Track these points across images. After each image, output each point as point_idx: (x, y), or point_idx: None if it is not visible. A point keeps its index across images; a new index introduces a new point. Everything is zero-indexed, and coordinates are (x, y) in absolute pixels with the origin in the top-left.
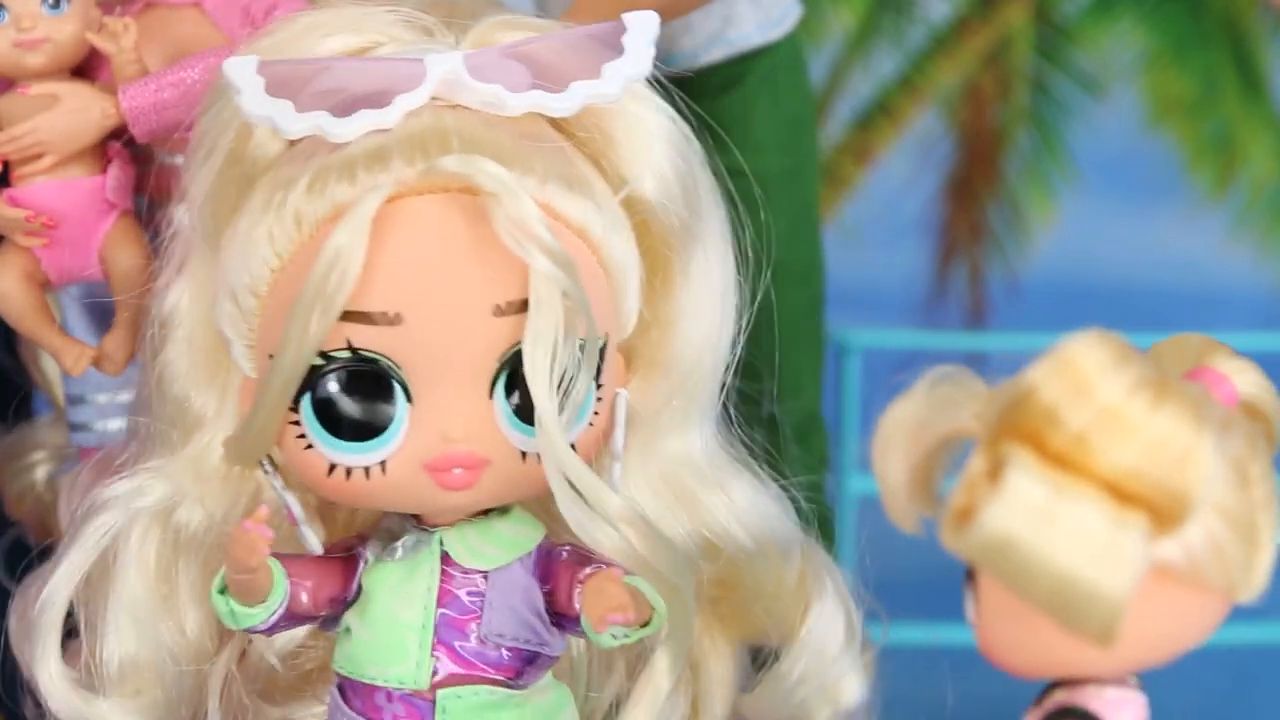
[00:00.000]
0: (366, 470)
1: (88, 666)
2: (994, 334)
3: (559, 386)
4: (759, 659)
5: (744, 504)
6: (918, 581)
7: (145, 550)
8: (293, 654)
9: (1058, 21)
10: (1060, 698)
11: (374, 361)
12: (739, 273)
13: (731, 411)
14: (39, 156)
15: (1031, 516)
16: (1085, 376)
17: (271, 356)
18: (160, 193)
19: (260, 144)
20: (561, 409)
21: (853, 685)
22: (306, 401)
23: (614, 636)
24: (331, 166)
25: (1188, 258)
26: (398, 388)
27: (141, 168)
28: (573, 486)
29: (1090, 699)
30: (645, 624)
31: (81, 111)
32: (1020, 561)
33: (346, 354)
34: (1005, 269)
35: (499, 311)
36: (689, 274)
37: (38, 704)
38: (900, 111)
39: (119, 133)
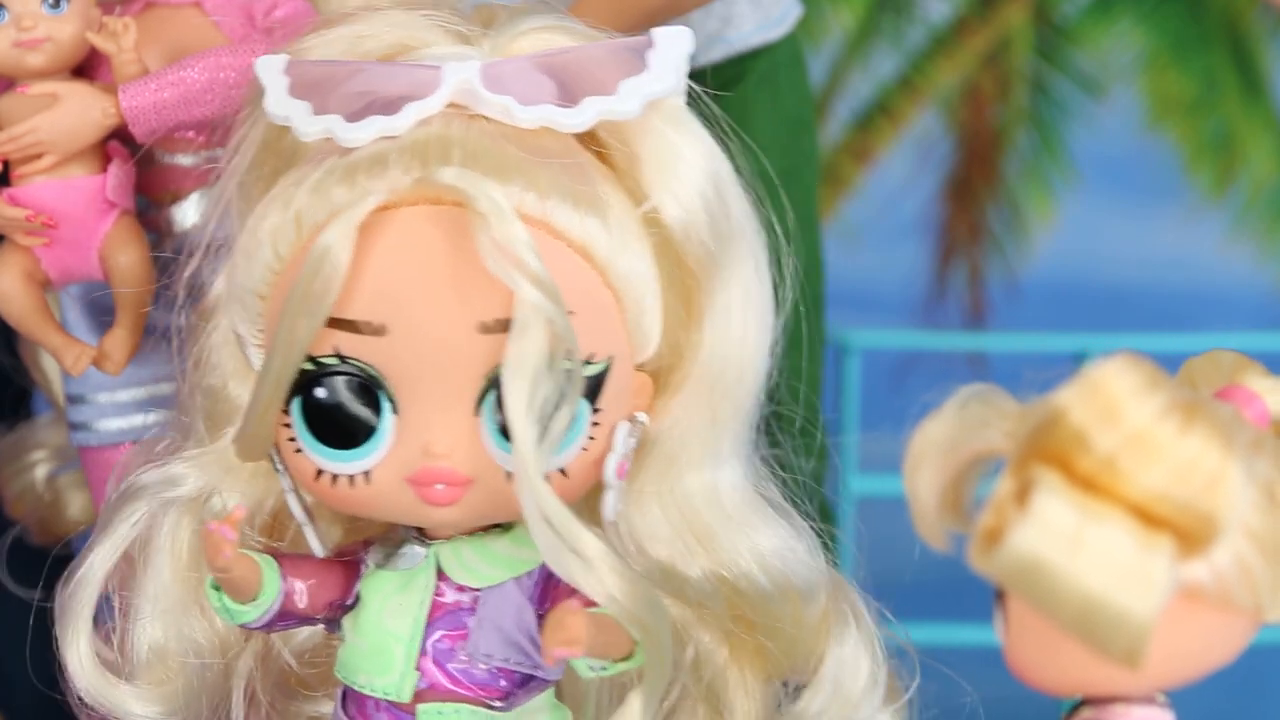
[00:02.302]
0: (351, 478)
1: (120, 650)
2: (993, 334)
3: (541, 414)
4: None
5: (768, 548)
6: (917, 582)
7: (177, 540)
8: (313, 652)
9: (1057, 22)
10: (1087, 716)
11: (361, 370)
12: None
13: (764, 452)
14: (39, 156)
15: (1059, 539)
16: (1114, 400)
17: None
18: (160, 193)
19: (294, 139)
20: (542, 437)
21: None
22: (296, 405)
23: (590, 668)
24: (336, 169)
25: (1188, 258)
26: (384, 398)
27: (141, 168)
28: (541, 514)
29: (1118, 718)
30: (627, 657)
31: (81, 111)
32: (1048, 584)
33: (334, 360)
34: (1005, 269)
35: (485, 329)
36: (715, 303)
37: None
38: (900, 112)
39: (119, 133)
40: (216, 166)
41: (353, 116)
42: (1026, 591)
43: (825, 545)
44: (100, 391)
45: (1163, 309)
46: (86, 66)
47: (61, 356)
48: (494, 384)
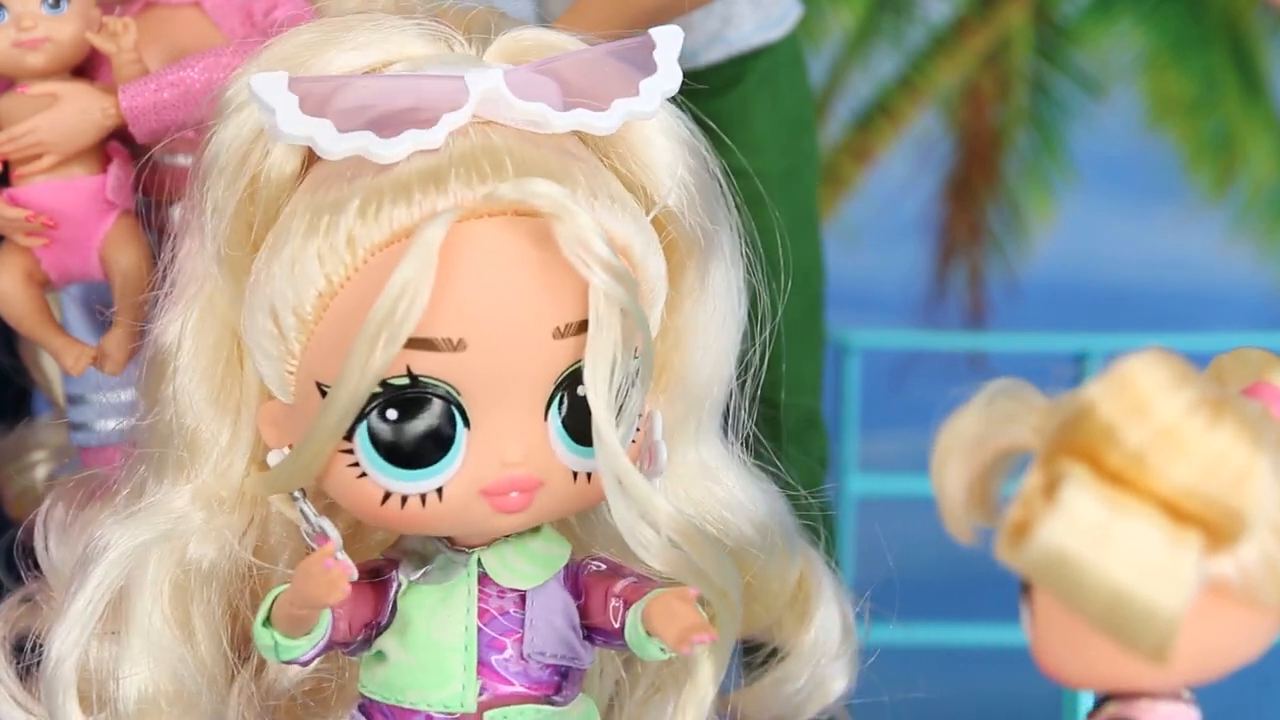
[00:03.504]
0: (423, 498)
1: (113, 711)
2: (993, 334)
3: (616, 401)
4: (750, 652)
5: (744, 499)
6: (918, 581)
7: (159, 582)
8: (305, 680)
9: (1057, 22)
10: (1113, 712)
11: (434, 388)
12: (750, 278)
13: (729, 407)
14: (39, 156)
15: (1087, 534)
16: (1143, 395)
17: (319, 385)
18: (160, 193)
19: (275, 163)
20: (619, 423)
21: (841, 681)
22: (363, 430)
23: (661, 650)
24: (383, 189)
25: (1187, 258)
26: (456, 413)
27: (141, 168)
28: (628, 497)
29: (1144, 714)
30: None
31: (81, 111)
32: (1075, 578)
33: (405, 380)
34: (1004, 269)
35: (558, 334)
36: (705, 285)
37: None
38: (900, 112)
39: (119, 133)
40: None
41: (382, 131)
42: (1054, 585)
43: (825, 545)
44: (100, 392)
45: (1163, 309)
46: (86, 66)
47: (61, 357)
48: (562, 385)
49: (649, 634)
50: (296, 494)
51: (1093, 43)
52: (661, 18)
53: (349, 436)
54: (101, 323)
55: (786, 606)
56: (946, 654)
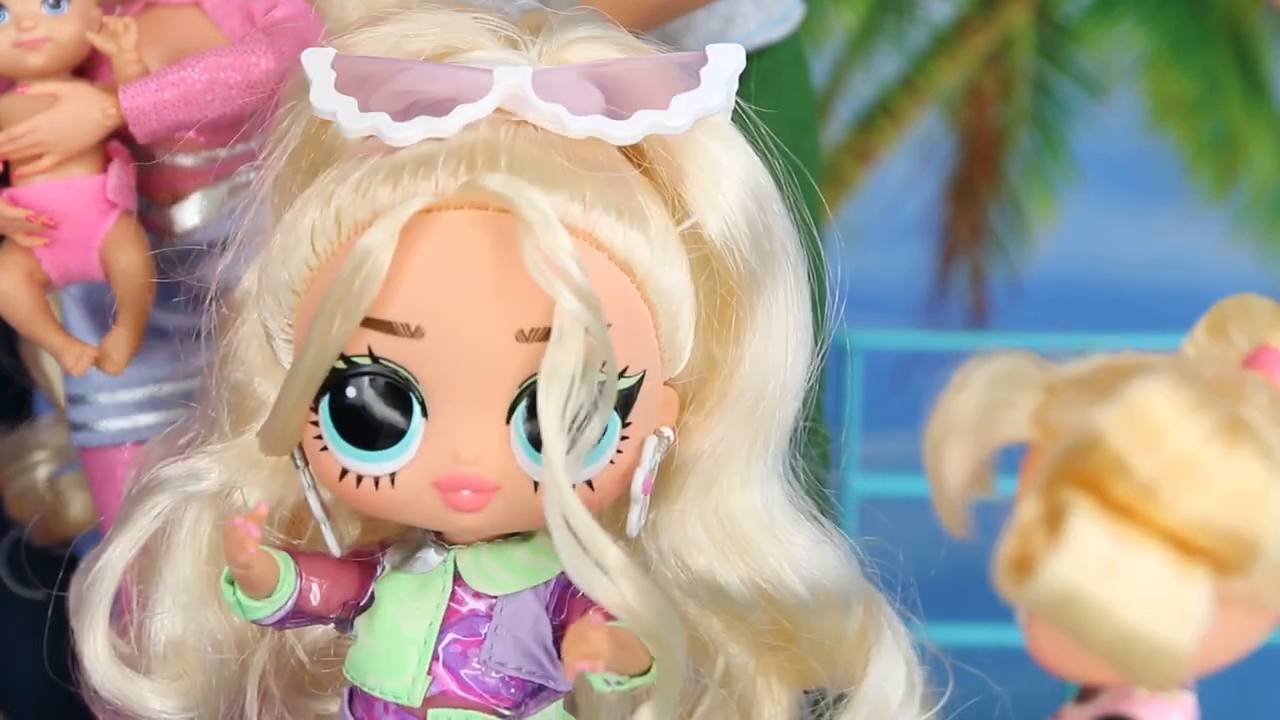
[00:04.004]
0: (376, 480)
1: (136, 643)
2: (995, 334)
3: (572, 424)
4: (817, 703)
5: (803, 555)
6: (919, 582)
7: (197, 534)
8: (324, 650)
9: (1059, 22)
10: (1107, 703)
11: (394, 372)
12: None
13: (798, 463)
14: (39, 156)
15: (1096, 570)
16: (1157, 424)
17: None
18: (160, 193)
19: (336, 133)
20: (571, 447)
21: None
22: (325, 403)
23: (606, 682)
24: (380, 169)
25: (1188, 258)
26: (414, 401)
27: (141, 168)
28: (566, 523)
29: (1139, 705)
30: (643, 673)
31: (82, 111)
32: (1083, 615)
33: (367, 360)
34: (1007, 269)
35: (522, 337)
36: (755, 320)
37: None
38: (901, 112)
39: (119, 133)
40: (219, 165)
41: (399, 115)
42: (1060, 621)
43: None
44: (101, 392)
45: (1164, 309)
46: (86, 66)
47: (62, 357)
48: (526, 392)
49: None
50: (298, 461)
51: (1094, 43)
52: (665, 17)
53: (315, 408)
54: (102, 323)
55: (845, 659)
56: (949, 654)
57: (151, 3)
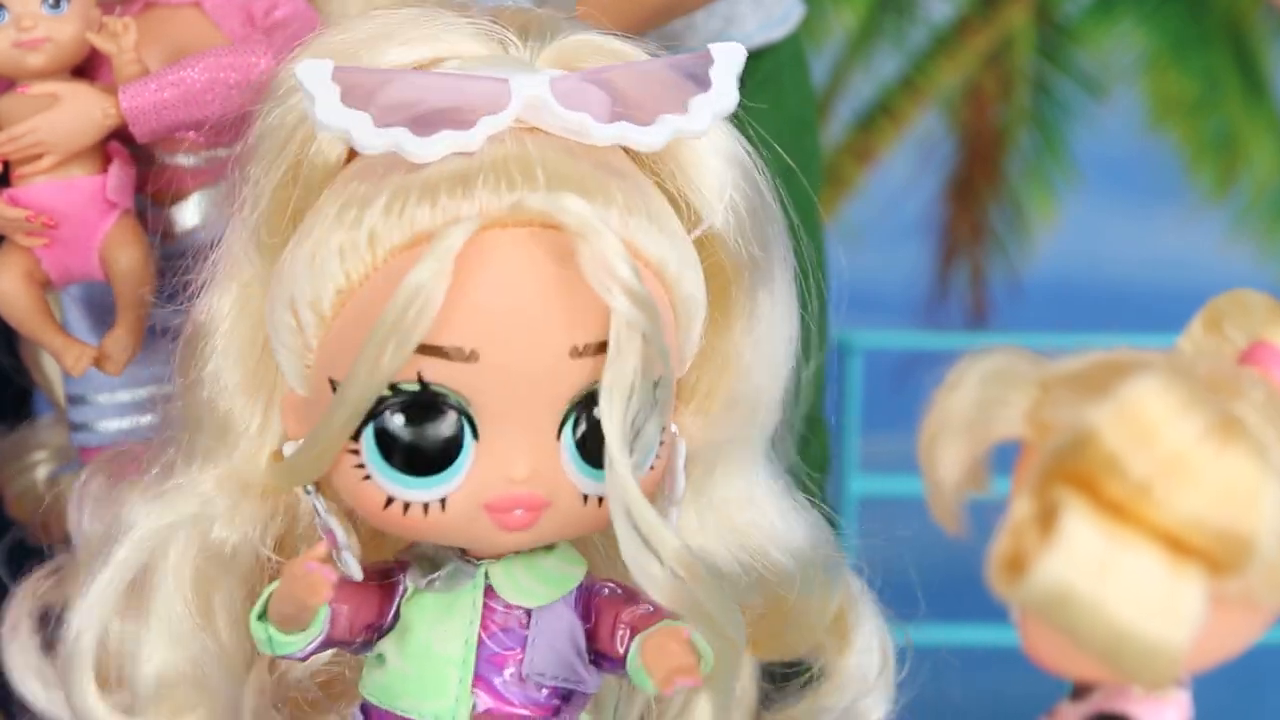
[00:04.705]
0: (425, 506)
1: (121, 684)
2: (995, 334)
3: (632, 428)
4: (779, 674)
5: (784, 528)
6: (918, 581)
7: (183, 565)
8: (322, 670)
9: (1059, 22)
10: (1101, 701)
11: (444, 396)
12: (802, 307)
13: (781, 444)
14: (39, 156)
15: (1089, 569)
16: (1151, 423)
17: (332, 381)
18: (160, 193)
19: (320, 150)
20: (632, 451)
21: (878, 711)
22: (369, 432)
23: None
24: (411, 188)
25: (1188, 258)
26: (465, 424)
27: (141, 168)
28: (635, 528)
29: (1133, 703)
30: None
31: (81, 111)
32: (1076, 614)
33: (415, 386)
34: (1007, 269)
35: (576, 353)
36: (754, 310)
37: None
38: (901, 112)
39: (119, 132)
40: (218, 165)
41: (419, 129)
42: (1053, 620)
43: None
44: (101, 392)
45: (1164, 309)
46: (86, 66)
47: (62, 357)
48: (577, 406)
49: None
50: (309, 488)
51: (1094, 43)
52: (665, 17)
53: (356, 437)
54: (102, 323)
55: (825, 633)
56: (948, 653)
57: (151, 3)
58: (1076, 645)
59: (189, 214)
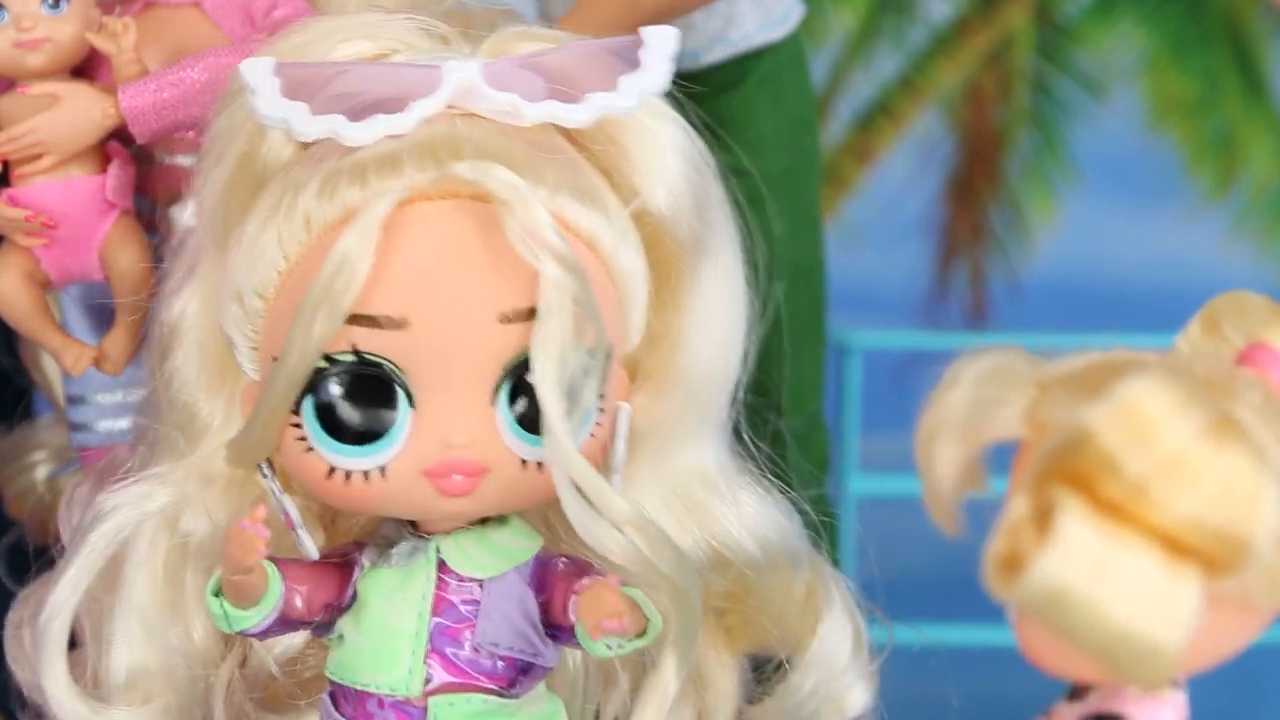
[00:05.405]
0: (366, 474)
1: (95, 676)
2: (995, 334)
3: (569, 389)
4: (759, 668)
5: (751, 514)
6: (918, 581)
7: (153, 556)
8: (292, 661)
9: (1059, 22)
10: (1098, 701)
11: (377, 365)
12: (748, 281)
13: (740, 420)
14: (39, 156)
15: (1085, 569)
16: (1149, 422)
17: (275, 360)
18: (160, 193)
19: (273, 148)
20: (569, 415)
21: (859, 694)
22: (308, 404)
23: (608, 647)
24: (342, 170)
25: (1188, 258)
26: (400, 392)
27: (141, 168)
28: (579, 492)
29: (1129, 703)
30: (641, 634)
31: (81, 111)
32: (1072, 614)
33: (350, 357)
34: (1006, 269)
35: (505, 319)
36: (700, 287)
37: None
38: (901, 112)
39: (119, 133)
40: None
41: (354, 116)
42: (1049, 621)
43: (827, 544)
44: (100, 392)
45: (1164, 309)
46: (86, 66)
47: (61, 357)
48: (511, 373)
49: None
50: (265, 470)
51: (1094, 43)
52: (665, 18)
53: (297, 410)
54: (102, 323)
55: (795, 618)
56: (946, 653)
57: (151, 3)
58: (1073, 645)
59: (189, 214)
